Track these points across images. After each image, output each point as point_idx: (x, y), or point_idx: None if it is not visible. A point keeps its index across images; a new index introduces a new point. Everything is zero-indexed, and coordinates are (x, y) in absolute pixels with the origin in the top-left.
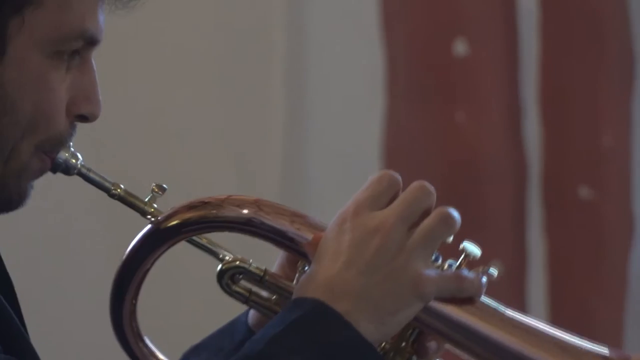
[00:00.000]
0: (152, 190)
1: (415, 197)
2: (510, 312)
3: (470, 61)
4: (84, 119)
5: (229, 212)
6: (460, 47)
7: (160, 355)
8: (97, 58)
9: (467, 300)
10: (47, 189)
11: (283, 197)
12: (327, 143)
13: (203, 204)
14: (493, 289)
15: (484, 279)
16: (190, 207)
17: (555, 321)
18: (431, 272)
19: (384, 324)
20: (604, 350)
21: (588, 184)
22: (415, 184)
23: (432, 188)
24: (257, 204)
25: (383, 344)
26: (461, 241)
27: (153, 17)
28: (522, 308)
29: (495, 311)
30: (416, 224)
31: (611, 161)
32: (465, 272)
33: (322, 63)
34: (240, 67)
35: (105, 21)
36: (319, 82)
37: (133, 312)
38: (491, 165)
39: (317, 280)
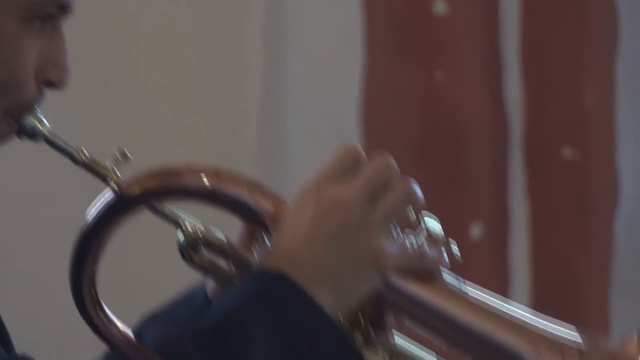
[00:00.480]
0: (115, 156)
1: (378, 171)
2: (472, 291)
3: (450, 20)
4: (52, 85)
5: (190, 181)
6: (440, 6)
7: (118, 323)
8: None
9: (427, 276)
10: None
11: (260, 153)
12: (306, 100)
13: (165, 172)
14: (474, 250)
15: (446, 256)
16: (152, 175)
17: (538, 283)
18: (392, 247)
19: (342, 297)
20: (571, 334)
21: (571, 145)
22: (378, 159)
23: (394, 162)
24: (215, 173)
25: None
26: (440, 206)
27: None
28: (504, 270)
29: (455, 289)
30: (378, 198)
31: (594, 121)
32: (427, 248)
33: (300, 19)
34: (216, 23)
35: None
36: (297, 38)
37: (92, 280)
38: (471, 124)
39: (278, 253)
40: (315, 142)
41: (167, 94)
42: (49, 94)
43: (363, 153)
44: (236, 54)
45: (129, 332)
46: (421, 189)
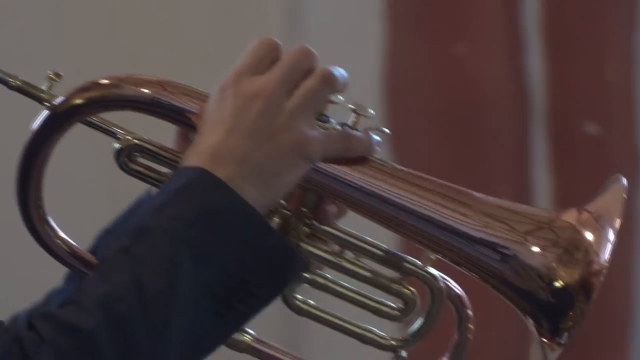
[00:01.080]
0: (49, 78)
1: (295, 60)
2: (407, 170)
3: None
4: None
5: (129, 91)
6: None
7: (63, 235)
8: None
9: (359, 159)
10: None
11: None
12: None
13: (96, 85)
14: None
15: (375, 137)
16: (84, 88)
17: None
18: (314, 132)
19: (268, 187)
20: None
21: (593, 119)
22: (295, 47)
23: (313, 50)
24: (160, 84)
25: (282, 210)
26: (460, 182)
27: None
28: None
29: (390, 168)
30: (297, 86)
31: (616, 96)
32: (353, 130)
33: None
34: None
35: None
36: (316, 11)
37: (38, 196)
38: (493, 98)
39: (199, 149)
40: (335, 116)
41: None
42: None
43: (280, 44)
44: (255, 27)
45: (77, 247)
46: (442, 163)
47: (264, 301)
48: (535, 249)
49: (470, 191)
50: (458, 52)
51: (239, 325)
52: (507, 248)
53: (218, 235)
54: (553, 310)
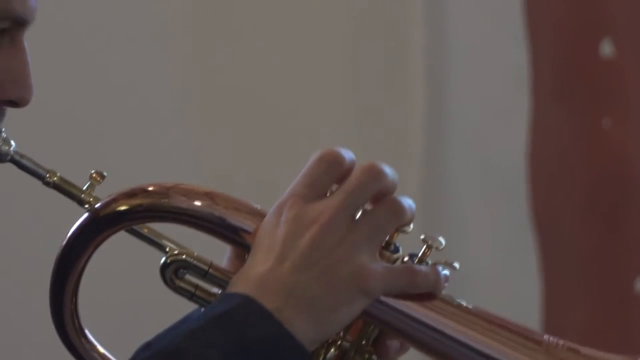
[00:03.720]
0: (91, 177)
1: (361, 182)
2: (476, 310)
3: (616, 63)
4: (14, 104)
5: (179, 202)
6: (606, 48)
7: (101, 349)
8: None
9: (426, 296)
10: None
11: (424, 204)
12: (469, 146)
13: (144, 192)
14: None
15: (444, 272)
16: (131, 194)
17: None
18: (377, 266)
19: (322, 322)
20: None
21: None
22: (362, 166)
23: (384, 169)
24: (210, 196)
25: (340, 342)
26: (604, 258)
27: None
28: None
29: (459, 307)
30: (363, 213)
31: None
32: (418, 265)
33: (463, 62)
34: (376, 67)
35: None
36: (459, 82)
37: (74, 305)
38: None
39: (248, 275)
40: (479, 190)
41: (328, 142)
42: None
43: (345, 157)
44: (398, 99)
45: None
46: (586, 239)
47: None
48: None
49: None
50: (604, 126)
51: None
52: None
53: None
54: None
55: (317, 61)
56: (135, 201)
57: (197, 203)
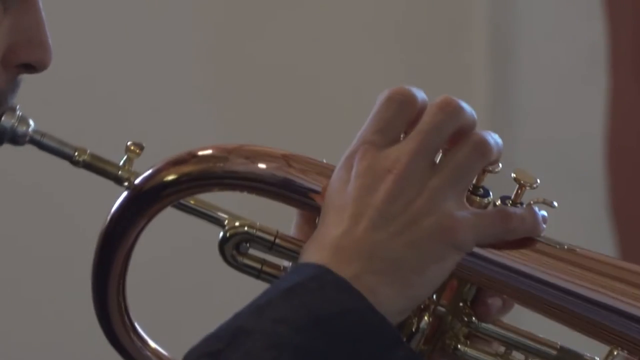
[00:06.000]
0: (128, 150)
1: (438, 121)
2: (584, 251)
3: None
4: (30, 68)
5: (237, 166)
6: None
7: (154, 345)
8: None
9: (523, 240)
10: None
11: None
12: (537, 133)
13: (194, 157)
14: None
15: (542, 213)
16: (178, 161)
17: None
18: (465, 213)
19: (408, 286)
20: None
21: None
22: (436, 102)
23: (461, 104)
24: (285, 158)
25: (434, 308)
26: None
27: None
28: None
29: (561, 250)
30: (442, 155)
31: None
32: (512, 207)
33: (531, 37)
34: (437, 45)
35: None
36: (527, 60)
37: (122, 298)
38: None
39: (321, 242)
40: (551, 181)
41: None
42: None
43: (416, 95)
44: (459, 80)
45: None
46: None
47: None
48: None
49: None
50: None
51: None
52: None
53: (332, 345)
54: None
55: (376, 37)
56: (185, 168)
57: (263, 165)
